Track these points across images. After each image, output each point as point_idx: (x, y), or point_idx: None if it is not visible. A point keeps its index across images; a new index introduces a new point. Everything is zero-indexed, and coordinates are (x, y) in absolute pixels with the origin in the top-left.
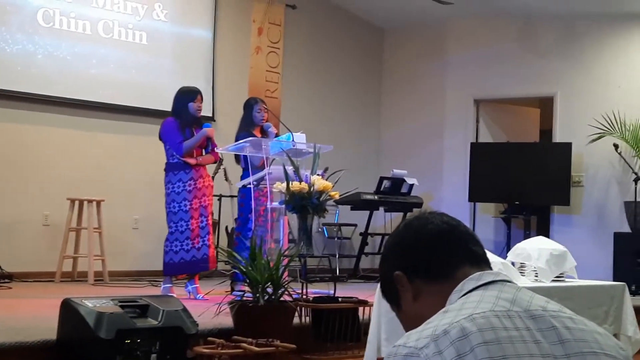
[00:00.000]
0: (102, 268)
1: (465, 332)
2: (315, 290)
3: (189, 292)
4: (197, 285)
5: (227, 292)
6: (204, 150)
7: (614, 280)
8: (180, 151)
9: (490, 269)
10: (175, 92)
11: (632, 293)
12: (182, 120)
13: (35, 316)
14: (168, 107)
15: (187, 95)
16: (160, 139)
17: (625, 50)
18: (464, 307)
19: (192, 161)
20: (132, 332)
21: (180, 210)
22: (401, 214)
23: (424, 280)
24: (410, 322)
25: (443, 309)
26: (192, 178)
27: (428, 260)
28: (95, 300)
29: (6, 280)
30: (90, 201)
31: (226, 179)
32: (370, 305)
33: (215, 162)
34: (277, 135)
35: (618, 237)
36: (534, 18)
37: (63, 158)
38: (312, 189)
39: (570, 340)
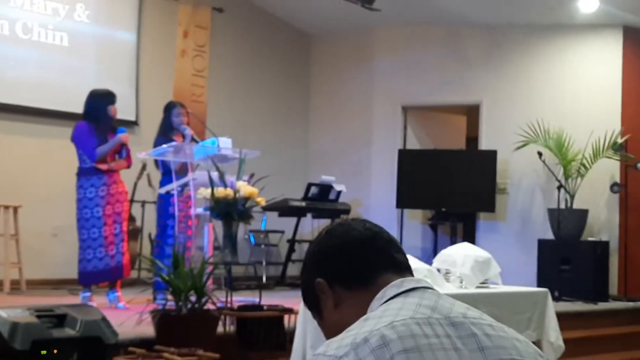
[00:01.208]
0: (19, 276)
1: (385, 339)
2: (241, 298)
3: (110, 301)
4: (119, 294)
5: (148, 300)
6: (117, 155)
7: (538, 287)
8: (94, 157)
9: (412, 276)
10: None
11: (555, 299)
12: (98, 124)
13: None
14: None
15: (105, 98)
16: (73, 142)
17: (548, 60)
18: (385, 314)
19: (103, 167)
20: (48, 343)
21: (92, 217)
22: (329, 220)
23: (346, 288)
24: (331, 330)
25: (364, 317)
26: (105, 184)
27: (350, 267)
28: (9, 310)
29: None
30: (6, 207)
31: (150, 185)
32: (296, 313)
33: (128, 168)
34: (193, 137)
35: (542, 243)
36: (460, 26)
37: None
38: (237, 195)
39: (490, 347)
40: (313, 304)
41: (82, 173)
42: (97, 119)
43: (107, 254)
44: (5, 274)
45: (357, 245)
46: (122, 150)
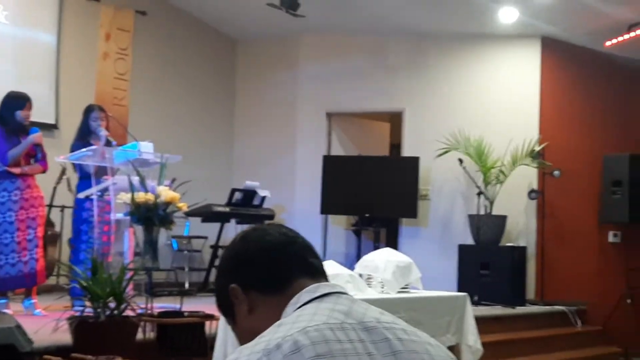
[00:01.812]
0: None
1: (298, 345)
2: (162, 304)
3: (26, 308)
4: (35, 301)
5: (66, 307)
6: (32, 160)
7: (458, 291)
8: (6, 161)
9: (328, 281)
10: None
11: (475, 303)
12: (9, 127)
13: None
14: None
15: (15, 102)
16: None
17: (470, 69)
18: (298, 320)
19: (16, 171)
20: None
21: (4, 222)
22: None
23: (260, 293)
24: (245, 336)
25: (277, 322)
26: (18, 188)
27: (264, 273)
28: None
29: None
30: None
31: (69, 190)
32: (217, 319)
33: (43, 172)
34: (108, 139)
35: (462, 249)
36: (384, 35)
37: None
38: (158, 200)
39: (403, 352)
40: (227, 309)
41: None
42: (7, 122)
43: (20, 260)
44: None
45: (272, 250)
46: (37, 154)
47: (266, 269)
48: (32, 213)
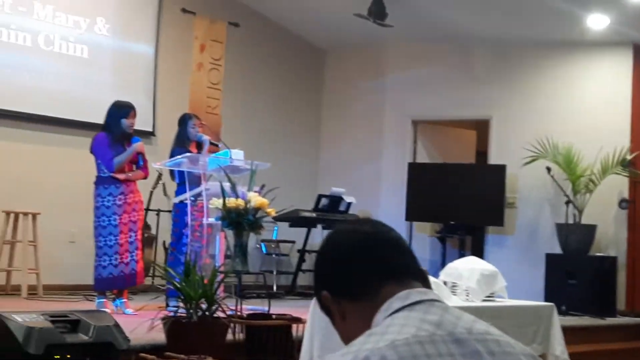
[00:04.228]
0: (36, 282)
1: None
2: (251, 306)
3: (116, 307)
4: (125, 300)
5: (160, 307)
6: (134, 166)
7: (545, 301)
8: (112, 167)
9: (420, 281)
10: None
11: (562, 313)
12: (114, 134)
13: None
14: None
15: (121, 110)
16: (91, 152)
17: (558, 76)
18: (388, 331)
19: (121, 177)
20: (61, 348)
21: (109, 225)
22: None
23: (349, 300)
24: (343, 337)
25: (368, 332)
26: (122, 192)
27: (349, 281)
28: (25, 315)
29: None
30: (25, 214)
31: (165, 194)
32: (304, 323)
33: (145, 178)
34: (212, 142)
35: (549, 257)
36: (471, 42)
37: None
38: (248, 205)
39: None
40: (326, 312)
41: (100, 182)
42: (113, 130)
43: (121, 262)
44: (23, 279)
45: (353, 258)
46: (139, 160)
47: (350, 275)
48: (134, 217)
